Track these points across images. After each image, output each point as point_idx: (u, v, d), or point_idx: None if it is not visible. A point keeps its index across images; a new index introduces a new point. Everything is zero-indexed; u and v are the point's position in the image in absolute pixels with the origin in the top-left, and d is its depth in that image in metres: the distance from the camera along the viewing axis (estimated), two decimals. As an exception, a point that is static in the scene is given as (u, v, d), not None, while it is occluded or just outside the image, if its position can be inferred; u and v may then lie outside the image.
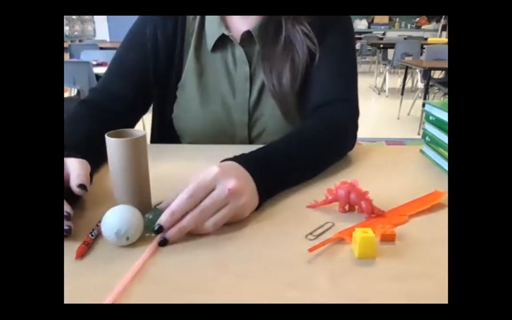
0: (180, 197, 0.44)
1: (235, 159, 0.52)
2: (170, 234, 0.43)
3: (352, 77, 0.76)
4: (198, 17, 0.78)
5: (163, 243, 0.43)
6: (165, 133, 0.82)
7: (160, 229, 0.43)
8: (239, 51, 0.76)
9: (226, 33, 0.75)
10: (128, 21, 0.79)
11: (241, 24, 0.76)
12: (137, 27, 0.78)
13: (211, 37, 0.76)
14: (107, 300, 0.35)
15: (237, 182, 0.46)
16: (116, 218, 0.42)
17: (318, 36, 0.74)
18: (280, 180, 0.56)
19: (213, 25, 0.76)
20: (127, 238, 0.42)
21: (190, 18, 0.77)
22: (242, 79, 0.77)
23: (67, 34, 6.21)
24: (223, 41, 0.76)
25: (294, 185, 0.58)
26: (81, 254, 0.41)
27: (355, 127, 0.72)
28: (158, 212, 0.45)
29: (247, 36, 0.75)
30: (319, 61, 0.74)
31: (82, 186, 0.46)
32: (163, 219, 0.43)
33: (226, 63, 0.77)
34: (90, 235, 0.44)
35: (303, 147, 0.60)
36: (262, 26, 0.75)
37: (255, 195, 0.50)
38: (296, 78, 0.74)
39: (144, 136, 0.47)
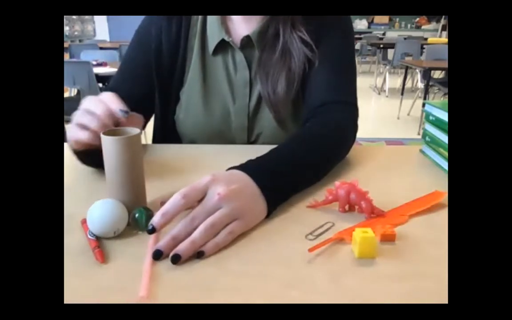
0: (173, 198, 0.44)
1: (240, 167, 0.51)
2: (162, 244, 0.42)
3: (351, 78, 0.76)
4: (200, 19, 0.78)
5: (157, 255, 0.42)
6: (167, 134, 0.82)
7: (153, 230, 0.43)
8: (239, 56, 0.77)
9: (226, 38, 0.75)
10: (128, 21, 0.80)
11: (241, 28, 0.76)
12: (143, 27, 0.79)
13: (212, 41, 0.77)
14: (139, 296, 0.36)
15: (226, 187, 0.46)
16: (102, 212, 0.43)
17: (316, 39, 0.74)
18: (287, 186, 0.54)
19: (214, 29, 0.76)
20: (114, 232, 0.44)
21: (193, 20, 0.78)
22: (242, 84, 0.77)
23: (67, 34, 6.20)
24: (223, 46, 0.76)
25: (299, 191, 0.56)
26: (103, 257, 0.41)
27: (355, 128, 0.72)
28: (143, 210, 0.46)
29: (246, 41, 0.75)
30: (318, 63, 0.73)
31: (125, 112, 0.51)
32: (155, 220, 0.43)
33: (227, 67, 0.78)
34: (89, 236, 0.44)
35: (309, 151, 0.59)
36: (261, 31, 0.75)
37: (257, 201, 0.48)
38: (292, 87, 0.74)
39: (138, 135, 0.48)
